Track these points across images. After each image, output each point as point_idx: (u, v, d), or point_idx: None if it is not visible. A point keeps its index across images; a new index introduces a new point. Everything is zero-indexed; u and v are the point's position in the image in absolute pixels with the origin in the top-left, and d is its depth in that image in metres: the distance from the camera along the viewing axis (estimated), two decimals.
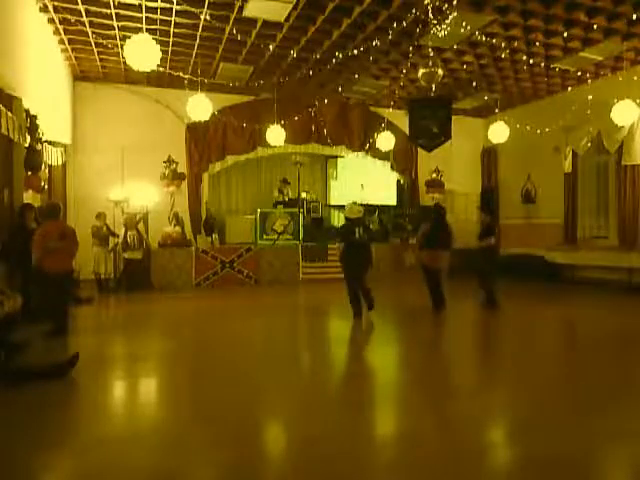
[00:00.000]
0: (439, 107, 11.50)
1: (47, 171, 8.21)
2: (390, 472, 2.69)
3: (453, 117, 13.06)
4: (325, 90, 11.56)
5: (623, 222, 10.47)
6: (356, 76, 10.47)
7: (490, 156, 14.23)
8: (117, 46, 8.81)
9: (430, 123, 11.41)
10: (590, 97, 10.29)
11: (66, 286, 6.24)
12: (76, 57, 9.76)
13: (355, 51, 8.93)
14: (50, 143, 7.92)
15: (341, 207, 13.81)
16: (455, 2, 7.23)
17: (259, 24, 8.15)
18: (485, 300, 7.60)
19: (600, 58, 9.44)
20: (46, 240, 5.79)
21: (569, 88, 10.99)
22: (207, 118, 9.35)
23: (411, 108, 11.77)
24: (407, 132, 12.99)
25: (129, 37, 6.78)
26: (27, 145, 6.59)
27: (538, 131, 11.41)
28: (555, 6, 7.48)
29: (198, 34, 8.56)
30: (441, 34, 8.14)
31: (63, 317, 5.96)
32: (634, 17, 7.57)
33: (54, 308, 5.92)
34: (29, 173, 6.86)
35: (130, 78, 10.88)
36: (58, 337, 5.74)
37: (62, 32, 8.49)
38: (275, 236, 11.60)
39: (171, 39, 8.76)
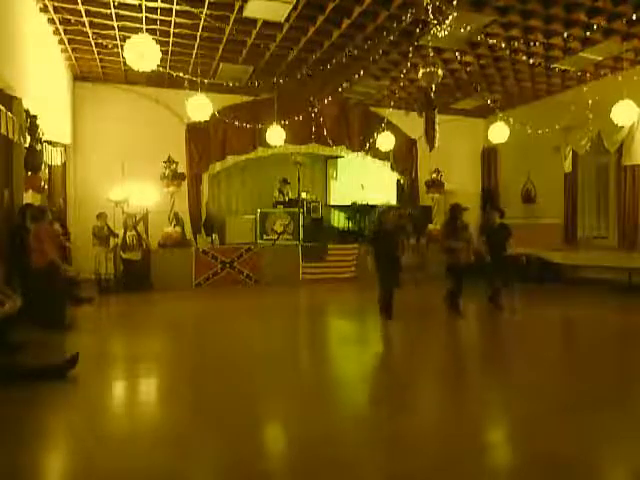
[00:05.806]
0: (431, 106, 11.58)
1: (47, 171, 8.22)
2: (391, 472, 2.69)
3: (453, 117, 13.48)
4: (325, 90, 11.54)
5: (623, 222, 10.46)
6: (356, 76, 10.46)
7: (490, 156, 14.21)
8: (117, 46, 8.80)
9: (431, 122, 11.46)
10: (590, 97, 10.28)
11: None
12: (76, 57, 9.75)
13: (355, 51, 8.93)
14: (50, 143, 7.92)
15: (341, 207, 13.86)
16: (455, 2, 7.23)
17: (259, 24, 8.15)
18: (492, 297, 7.61)
19: (600, 58, 9.43)
20: (54, 239, 5.85)
21: (569, 88, 10.97)
22: (207, 118, 9.32)
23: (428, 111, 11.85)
24: (407, 132, 13.10)
25: (129, 37, 6.77)
26: (27, 145, 6.59)
27: (538, 131, 11.40)
28: (555, 6, 7.47)
29: (198, 34, 8.55)
30: (441, 34, 8.12)
31: (63, 316, 5.98)
32: (634, 17, 7.57)
33: (57, 307, 5.96)
34: (29, 173, 6.86)
35: (130, 78, 10.87)
36: (58, 336, 5.74)
37: (62, 32, 8.48)
38: (275, 236, 11.59)
39: (171, 39, 8.75)
